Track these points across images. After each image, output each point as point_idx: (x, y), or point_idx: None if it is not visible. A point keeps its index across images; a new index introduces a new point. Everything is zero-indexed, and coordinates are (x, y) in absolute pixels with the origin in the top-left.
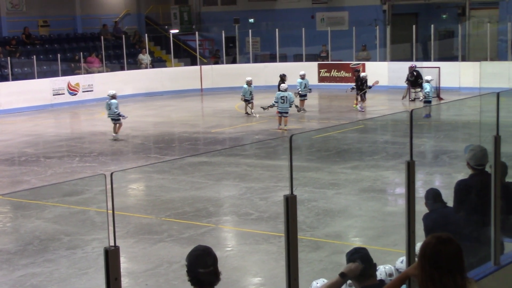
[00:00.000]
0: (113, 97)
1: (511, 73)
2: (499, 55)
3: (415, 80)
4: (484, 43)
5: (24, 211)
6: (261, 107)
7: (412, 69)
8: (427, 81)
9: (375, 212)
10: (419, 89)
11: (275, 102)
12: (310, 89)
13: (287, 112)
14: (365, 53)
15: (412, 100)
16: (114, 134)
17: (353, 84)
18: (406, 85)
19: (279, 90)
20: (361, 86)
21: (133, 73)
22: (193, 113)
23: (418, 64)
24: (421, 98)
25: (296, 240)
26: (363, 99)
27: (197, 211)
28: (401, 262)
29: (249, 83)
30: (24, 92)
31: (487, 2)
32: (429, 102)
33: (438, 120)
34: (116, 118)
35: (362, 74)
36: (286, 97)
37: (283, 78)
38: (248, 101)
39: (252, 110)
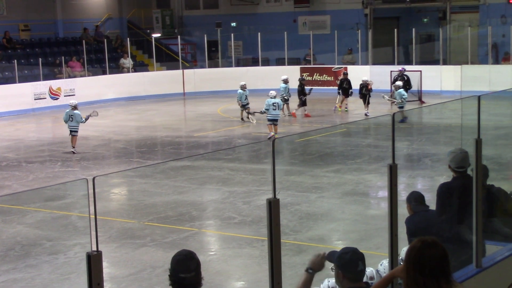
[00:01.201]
0: (75, 107)
1: (491, 76)
2: (480, 59)
3: (405, 84)
4: (465, 46)
5: (5, 216)
6: (254, 112)
7: (401, 73)
8: (399, 87)
9: (358, 216)
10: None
11: (266, 109)
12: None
13: (277, 120)
14: (350, 56)
15: None
16: (73, 148)
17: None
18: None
19: (299, 96)
20: (362, 90)
21: (115, 77)
22: (176, 117)
23: (400, 67)
24: (396, 102)
25: (279, 244)
26: (368, 104)
27: (180, 215)
28: (380, 265)
29: (243, 87)
30: (5, 96)
31: (468, 6)
32: (403, 107)
33: (420, 123)
34: (75, 130)
35: (363, 78)
36: (278, 103)
37: (302, 83)
38: (244, 106)
39: (249, 116)
